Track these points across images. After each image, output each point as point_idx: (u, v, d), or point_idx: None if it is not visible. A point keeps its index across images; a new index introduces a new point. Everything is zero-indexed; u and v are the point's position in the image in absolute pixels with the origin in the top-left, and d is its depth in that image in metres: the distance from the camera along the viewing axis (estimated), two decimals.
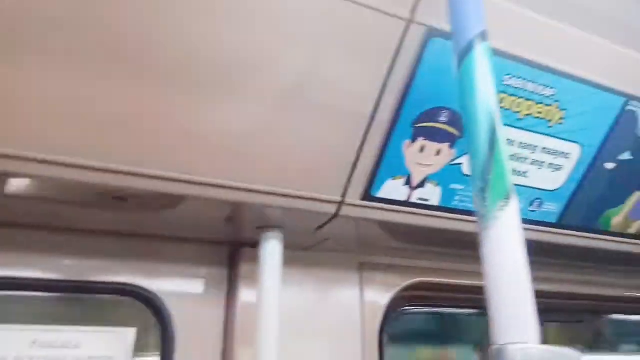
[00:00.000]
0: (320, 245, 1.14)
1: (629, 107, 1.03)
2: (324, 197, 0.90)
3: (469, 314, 1.45)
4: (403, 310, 1.37)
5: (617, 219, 1.20)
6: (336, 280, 1.23)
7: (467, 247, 1.21)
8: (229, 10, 0.70)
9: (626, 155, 1.09)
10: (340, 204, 0.91)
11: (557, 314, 1.59)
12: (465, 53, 0.60)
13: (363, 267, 1.27)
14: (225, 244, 1.12)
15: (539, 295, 1.34)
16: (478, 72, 0.59)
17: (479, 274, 1.26)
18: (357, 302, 1.23)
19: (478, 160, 0.58)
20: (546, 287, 1.43)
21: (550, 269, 1.42)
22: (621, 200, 1.17)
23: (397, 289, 1.28)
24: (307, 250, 1.17)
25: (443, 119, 0.89)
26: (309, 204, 0.90)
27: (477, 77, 0.59)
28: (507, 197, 0.56)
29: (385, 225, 1.06)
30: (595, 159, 1.07)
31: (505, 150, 0.58)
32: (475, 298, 1.37)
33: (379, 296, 1.26)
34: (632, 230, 1.24)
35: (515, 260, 0.54)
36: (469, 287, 1.34)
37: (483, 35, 0.61)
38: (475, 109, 0.58)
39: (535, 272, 1.30)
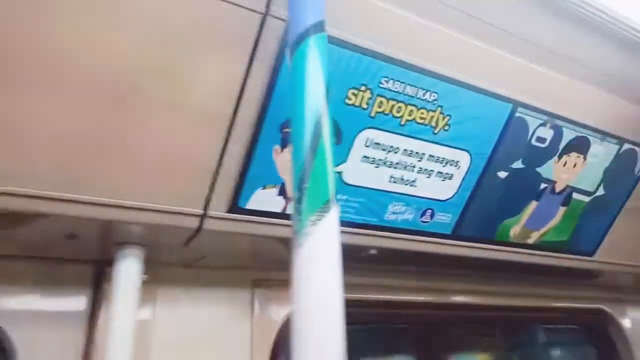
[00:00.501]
0: (203, 261, 1.04)
1: (517, 114, 1.00)
2: (184, 209, 0.80)
3: (377, 329, 1.38)
4: None
5: (515, 228, 1.17)
6: (224, 298, 1.13)
7: (365, 260, 1.15)
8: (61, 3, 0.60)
9: (518, 164, 1.07)
10: (203, 217, 0.81)
11: (471, 326, 1.56)
12: (297, 44, 0.53)
13: (257, 284, 1.17)
14: (89, 262, 0.99)
15: (450, 307, 1.28)
16: (309, 65, 0.52)
17: (388, 288, 1.18)
18: (247, 320, 1.13)
19: (297, 166, 0.50)
20: (459, 298, 1.39)
21: (461, 280, 1.39)
22: (518, 210, 1.15)
23: None
24: (188, 267, 1.06)
25: None
26: (167, 217, 0.80)
27: (307, 70, 0.51)
28: (324, 210, 0.49)
29: (277, 239, 0.98)
30: (486, 167, 1.03)
31: (329, 155, 0.50)
32: (387, 313, 1.31)
33: (274, 313, 1.16)
34: (531, 240, 1.22)
35: (326, 289, 0.46)
36: (379, 302, 1.28)
37: (319, 26, 0.54)
38: (301, 106, 0.51)
39: (447, 284, 1.24)
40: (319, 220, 0.47)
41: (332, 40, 0.75)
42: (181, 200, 0.79)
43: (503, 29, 0.91)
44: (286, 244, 1.14)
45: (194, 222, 0.81)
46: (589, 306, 1.81)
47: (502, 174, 1.06)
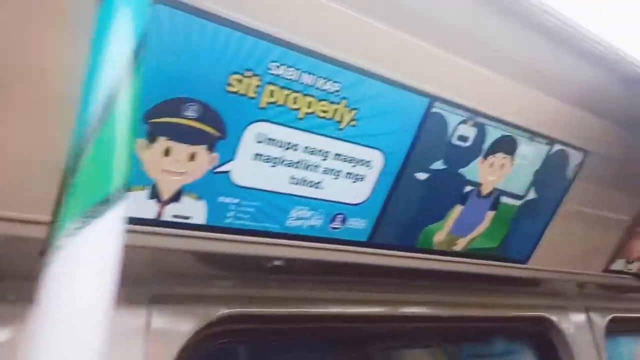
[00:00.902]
0: None
1: (434, 110, 0.91)
2: (30, 217, 0.67)
3: (297, 346, 1.27)
4: (217, 345, 1.16)
5: (439, 235, 1.09)
6: (117, 316, 0.98)
7: (272, 272, 1.04)
8: None
9: (439, 165, 0.98)
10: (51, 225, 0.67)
11: (401, 338, 1.47)
12: None
13: (155, 300, 1.03)
14: None
15: (374, 319, 1.16)
16: (114, 22, 0.40)
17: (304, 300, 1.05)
18: (143, 340, 0.99)
19: (71, 153, 0.38)
20: (384, 309, 1.29)
21: (389, 290, 1.29)
22: (441, 215, 1.06)
23: (202, 322, 1.06)
24: None
25: (190, 113, 0.69)
26: (9, 226, 0.66)
27: (110, 29, 0.39)
28: (95, 213, 0.37)
29: (171, 251, 0.85)
30: (403, 168, 0.94)
31: (122, 141, 0.39)
32: (302, 328, 1.20)
33: (174, 332, 1.03)
34: (458, 247, 1.14)
35: (81, 319, 0.34)
36: (292, 316, 1.16)
37: None
38: (93, 74, 0.38)
39: (371, 294, 1.13)
40: (82, 226, 0.35)
41: (204, 14, 0.64)
42: (25, 205, 0.66)
43: (418, 15, 0.81)
44: (183, 256, 1.02)
45: (44, 232, 0.68)
46: (532, 314, 1.76)
47: (422, 176, 0.97)
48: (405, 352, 1.32)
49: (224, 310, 1.06)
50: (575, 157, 1.18)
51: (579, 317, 1.89)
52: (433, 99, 0.90)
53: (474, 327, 1.59)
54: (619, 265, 1.56)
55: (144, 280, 1.02)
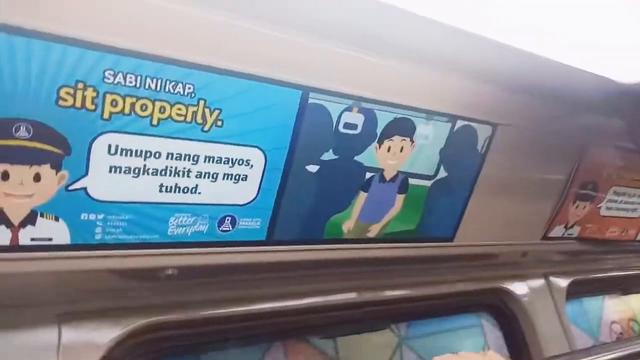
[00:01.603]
0: None
1: (311, 101, 0.89)
2: None
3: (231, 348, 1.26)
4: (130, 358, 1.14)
5: (348, 224, 1.07)
6: (26, 339, 0.97)
7: (171, 279, 1.02)
8: None
9: (330, 155, 0.96)
10: None
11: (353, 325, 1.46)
12: None
13: (64, 319, 1.02)
14: None
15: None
16: None
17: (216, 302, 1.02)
18: None
19: None
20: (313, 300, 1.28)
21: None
22: (345, 204, 1.05)
23: (113, 337, 1.05)
24: None
25: (22, 133, 0.67)
26: None
27: None
28: None
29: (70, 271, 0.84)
30: (289, 163, 0.92)
31: None
32: (220, 329, 1.18)
33: (87, 349, 1.02)
34: (372, 234, 1.12)
35: None
36: (222, 317, 1.14)
37: None
38: None
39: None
40: None
41: (22, 32, 0.61)
42: None
43: (278, 4, 0.79)
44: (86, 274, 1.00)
45: None
46: (487, 286, 1.75)
47: (313, 168, 0.95)
48: (350, 337, 1.31)
49: (134, 323, 1.04)
50: (483, 131, 1.17)
51: (538, 284, 1.89)
52: (306, 90, 0.87)
53: (423, 307, 1.58)
54: (558, 231, 1.55)
55: (51, 300, 1.00)
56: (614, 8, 0.86)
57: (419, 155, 1.09)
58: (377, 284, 1.29)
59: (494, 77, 1.10)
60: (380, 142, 1.02)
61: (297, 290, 1.12)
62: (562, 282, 1.97)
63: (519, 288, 1.79)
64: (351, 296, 1.23)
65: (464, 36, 0.92)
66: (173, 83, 0.75)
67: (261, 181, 0.91)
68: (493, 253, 1.50)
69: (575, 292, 2.04)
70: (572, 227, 1.57)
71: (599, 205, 1.58)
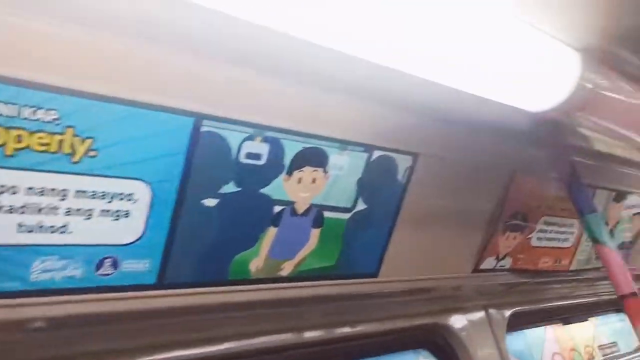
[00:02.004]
0: None
1: (205, 129, 0.82)
2: None
3: None
4: None
5: (256, 262, 0.99)
6: None
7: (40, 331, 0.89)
8: None
9: (231, 187, 0.89)
10: None
11: None
12: None
13: None
14: None
15: None
16: None
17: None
18: None
19: None
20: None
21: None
22: (252, 241, 0.97)
23: None
24: None
25: None
26: None
27: None
28: None
29: None
30: (181, 197, 0.83)
31: None
32: None
33: None
34: (285, 272, 1.04)
35: None
36: None
37: None
38: None
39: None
40: None
41: None
42: None
43: (150, 19, 0.71)
44: None
45: None
46: (423, 322, 1.69)
47: (211, 202, 0.87)
48: None
49: None
50: (403, 161, 1.13)
51: (477, 317, 1.84)
52: (199, 117, 0.80)
53: (353, 347, 1.49)
54: (489, 263, 1.52)
55: None
56: (517, 40, 0.84)
57: (333, 186, 1.03)
58: (295, 326, 1.20)
59: (408, 107, 1.07)
60: (289, 173, 0.95)
61: (199, 338, 1.01)
62: (502, 314, 1.94)
63: (457, 322, 1.75)
64: (266, 340, 1.13)
65: (370, 66, 0.88)
66: (31, 109, 0.66)
67: (148, 217, 0.81)
68: (424, 288, 1.44)
69: (516, 324, 2.01)
70: (503, 258, 1.54)
71: (529, 236, 1.57)
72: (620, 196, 1.86)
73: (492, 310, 1.90)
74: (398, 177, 1.14)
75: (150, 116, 0.76)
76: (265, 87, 0.86)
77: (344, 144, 1.00)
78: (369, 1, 0.68)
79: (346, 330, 1.37)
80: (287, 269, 1.04)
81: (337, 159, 1.01)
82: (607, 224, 1.86)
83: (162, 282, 0.87)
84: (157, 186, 0.80)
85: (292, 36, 0.76)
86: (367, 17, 0.71)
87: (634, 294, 1.20)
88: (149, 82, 0.75)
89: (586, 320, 2.39)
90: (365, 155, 1.05)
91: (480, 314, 1.86)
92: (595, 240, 1.22)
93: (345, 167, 1.03)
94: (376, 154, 1.07)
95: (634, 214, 1.97)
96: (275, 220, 0.98)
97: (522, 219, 1.50)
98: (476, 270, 1.49)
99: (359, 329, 1.40)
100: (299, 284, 1.08)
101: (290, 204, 0.98)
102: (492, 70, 0.86)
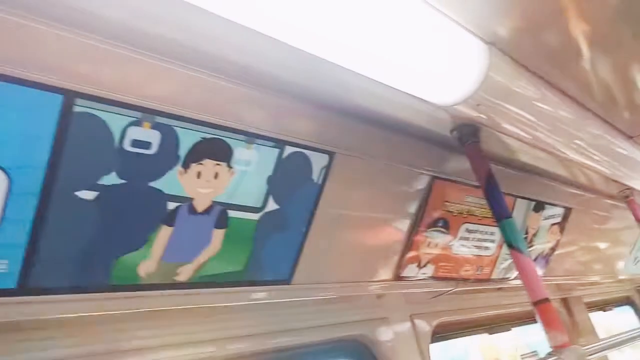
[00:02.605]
0: None
1: (78, 109, 0.71)
2: None
3: None
4: None
5: (147, 265, 0.88)
6: None
7: None
8: None
9: (113, 179, 0.78)
10: None
11: None
12: None
13: None
14: None
15: None
16: None
17: None
18: None
19: None
20: None
21: None
22: (141, 241, 0.86)
23: None
24: None
25: None
26: None
27: None
28: None
29: None
30: (49, 186, 0.72)
31: None
32: None
33: None
34: (183, 277, 0.94)
35: None
36: None
37: None
38: None
39: None
40: None
41: None
42: None
43: None
44: None
45: None
46: (347, 333, 1.62)
47: (88, 195, 0.76)
48: None
49: None
50: (319, 160, 1.07)
51: (402, 327, 1.80)
52: (70, 95, 0.70)
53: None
54: (411, 271, 1.49)
55: None
56: (428, 31, 0.81)
57: (240, 183, 0.95)
58: (194, 340, 1.08)
59: (323, 101, 1.01)
60: (185, 166, 0.86)
61: (74, 354, 0.88)
62: (428, 324, 1.91)
63: (381, 332, 1.69)
64: (160, 357, 1.01)
65: (280, 53, 0.81)
66: None
67: (4, 210, 0.69)
68: (344, 296, 1.38)
69: (441, 333, 2.00)
70: (425, 266, 1.52)
71: (451, 243, 1.56)
72: (539, 206, 1.91)
73: (417, 320, 1.86)
74: (313, 177, 1.08)
75: (7, 90, 0.64)
76: (154, 68, 0.77)
77: (250, 137, 0.93)
78: None
79: (256, 343, 1.27)
80: (185, 273, 0.94)
81: (244, 154, 0.93)
82: (526, 232, 1.90)
83: (24, 286, 0.74)
84: (16, 173, 0.68)
85: (186, 12, 0.68)
86: (278, 3, 0.65)
87: (546, 300, 1.19)
88: (7, 52, 0.64)
89: (510, 329, 2.43)
90: (276, 151, 0.98)
91: (406, 324, 1.82)
92: (510, 246, 1.21)
93: (254, 163, 0.95)
94: (288, 150, 1.00)
95: (552, 224, 2.04)
96: (170, 218, 0.88)
97: (443, 225, 1.49)
98: (398, 277, 1.45)
99: (271, 341, 1.31)
100: (200, 290, 0.98)
101: (187, 200, 0.89)
102: (403, 60, 0.82)
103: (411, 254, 1.43)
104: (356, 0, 0.68)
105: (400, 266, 1.43)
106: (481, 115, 1.00)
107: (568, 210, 2.10)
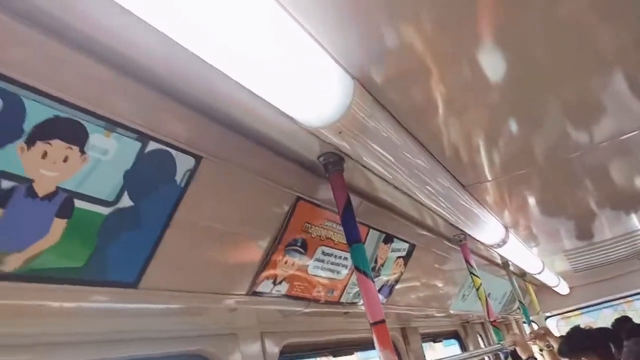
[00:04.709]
0: None
1: None
2: None
3: None
4: None
5: None
6: None
7: None
8: None
9: None
10: None
11: None
12: None
13: None
14: None
15: None
16: None
17: None
18: None
19: None
20: None
21: None
22: None
23: None
24: None
25: None
26: None
27: None
28: None
29: None
30: None
31: None
32: None
33: None
34: (7, 267, 0.83)
35: None
36: None
37: None
38: None
39: None
40: None
41: None
42: None
43: None
44: None
45: None
46: (191, 348, 1.55)
47: None
48: None
49: None
50: (184, 162, 1.05)
51: (252, 345, 1.78)
52: None
53: None
54: (266, 286, 1.51)
55: None
56: (302, 53, 0.87)
57: (92, 172, 0.89)
58: (14, 343, 0.96)
59: (197, 103, 1.01)
60: (29, 143, 0.78)
61: None
62: (276, 344, 1.92)
63: (230, 349, 1.67)
64: None
65: (148, 40, 0.79)
66: None
67: None
68: (195, 306, 1.34)
69: (288, 353, 2.03)
70: (280, 283, 1.55)
71: (307, 263, 1.63)
72: (388, 239, 2.09)
73: (267, 339, 1.87)
74: (176, 179, 1.05)
75: None
76: (8, 27, 0.70)
77: (111, 124, 0.89)
78: None
79: (88, 352, 1.17)
80: (11, 263, 0.84)
81: (101, 140, 0.88)
82: (376, 261, 2.06)
83: None
84: None
85: None
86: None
87: (382, 321, 1.31)
88: None
89: (353, 353, 2.57)
90: (138, 144, 0.95)
91: (256, 343, 1.82)
92: (358, 269, 1.32)
93: (111, 153, 0.91)
94: (152, 146, 0.97)
95: (398, 257, 2.24)
96: (2, 198, 0.78)
97: (301, 245, 1.55)
98: (252, 292, 1.46)
99: (109, 352, 1.22)
100: (29, 285, 0.88)
101: (27, 181, 0.80)
102: (273, 75, 0.86)
103: (268, 270, 1.46)
104: (236, 9, 0.71)
105: (255, 282, 1.44)
106: (344, 144, 1.09)
107: (412, 246, 2.34)
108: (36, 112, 0.77)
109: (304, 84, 0.88)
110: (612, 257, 4.25)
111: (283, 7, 0.79)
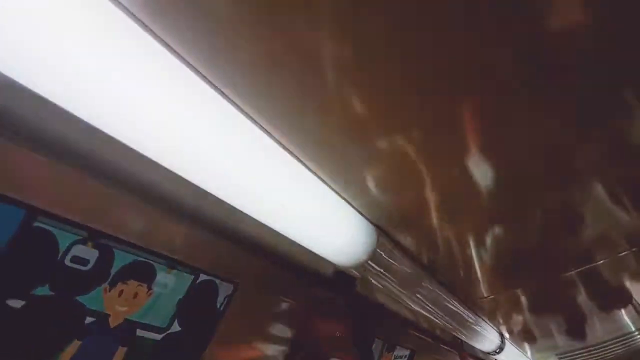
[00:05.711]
0: None
1: (37, 224, 0.79)
2: None
3: None
4: None
5: None
6: None
7: None
8: None
9: (44, 290, 0.83)
10: None
11: None
12: None
13: None
14: None
15: None
16: None
17: None
18: None
19: None
20: None
21: None
22: (51, 353, 0.87)
23: None
24: None
25: None
26: None
27: None
28: None
29: None
30: None
31: None
32: None
33: None
34: None
35: None
36: None
37: None
38: None
39: None
40: None
41: None
42: None
43: None
44: None
45: None
46: None
47: (16, 303, 0.79)
48: None
49: None
50: (225, 289, 1.20)
51: None
52: (33, 211, 0.78)
53: None
54: None
55: None
56: (327, 206, 1.07)
57: (154, 304, 1.03)
58: None
59: (232, 236, 1.18)
60: (113, 284, 0.93)
61: None
62: None
63: None
64: None
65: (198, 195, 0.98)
66: None
67: None
68: None
69: None
70: None
71: None
72: (391, 347, 2.18)
73: None
74: (217, 303, 1.19)
75: None
76: (99, 192, 0.87)
77: (172, 263, 1.04)
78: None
79: None
80: None
81: (164, 277, 1.03)
82: None
83: None
84: None
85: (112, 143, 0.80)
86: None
87: None
88: None
89: None
90: (191, 277, 1.10)
91: None
92: None
93: (171, 286, 1.06)
94: (202, 277, 1.13)
95: None
96: (83, 332, 0.91)
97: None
98: None
99: None
100: None
101: (105, 316, 0.94)
102: (305, 224, 1.03)
103: None
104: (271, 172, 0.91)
105: None
106: (362, 275, 1.26)
107: (413, 352, 2.41)
108: (121, 259, 0.93)
109: (333, 233, 1.07)
110: None
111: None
